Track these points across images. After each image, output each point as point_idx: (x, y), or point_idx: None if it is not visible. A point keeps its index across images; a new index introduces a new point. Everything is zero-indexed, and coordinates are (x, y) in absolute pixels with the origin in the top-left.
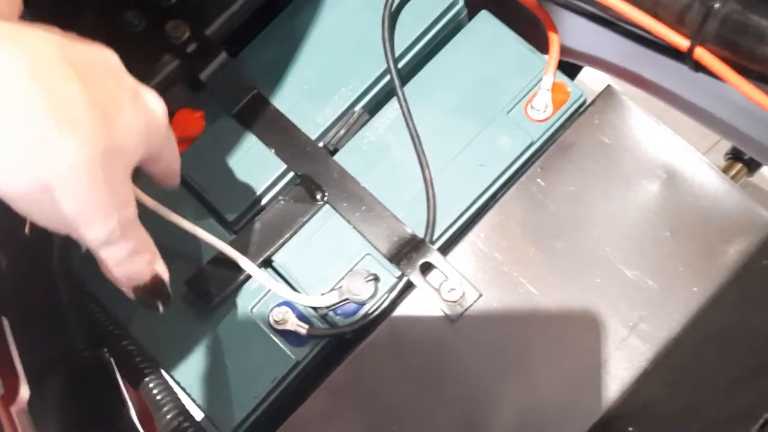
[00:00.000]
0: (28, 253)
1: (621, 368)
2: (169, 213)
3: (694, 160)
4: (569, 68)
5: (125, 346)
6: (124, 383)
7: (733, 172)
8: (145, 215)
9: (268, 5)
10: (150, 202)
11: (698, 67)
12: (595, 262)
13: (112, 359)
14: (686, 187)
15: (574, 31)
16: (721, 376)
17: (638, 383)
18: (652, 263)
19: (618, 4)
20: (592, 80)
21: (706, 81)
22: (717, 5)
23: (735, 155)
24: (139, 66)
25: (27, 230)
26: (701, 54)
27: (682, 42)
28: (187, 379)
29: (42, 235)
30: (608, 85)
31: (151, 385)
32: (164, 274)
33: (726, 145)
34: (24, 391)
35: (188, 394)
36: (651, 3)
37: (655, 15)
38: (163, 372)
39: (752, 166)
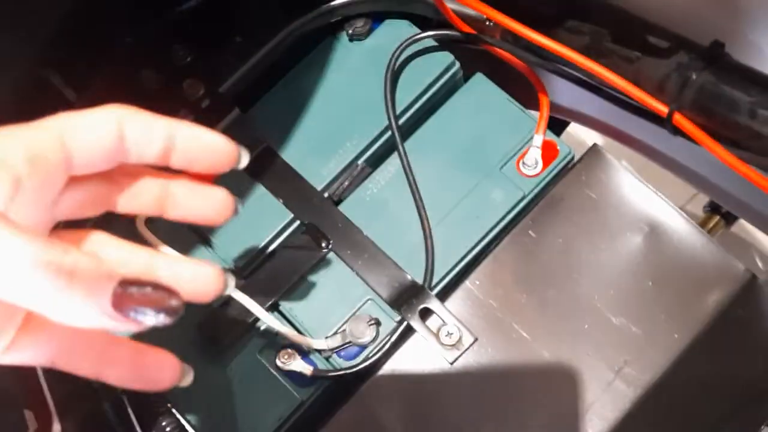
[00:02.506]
0: None
1: (607, 410)
2: (180, 256)
3: (674, 216)
4: (557, 123)
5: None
6: (139, 424)
7: (711, 224)
8: None
9: (277, 65)
10: (164, 248)
11: (676, 131)
12: (583, 309)
13: (126, 400)
14: (667, 241)
15: (562, 90)
16: (700, 419)
17: (623, 424)
18: (636, 311)
19: (603, 72)
20: (579, 135)
21: (685, 142)
22: (693, 76)
23: (713, 208)
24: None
25: None
26: (679, 119)
27: (661, 108)
28: (197, 420)
29: None
30: (594, 144)
31: (164, 424)
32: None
33: (705, 197)
34: (56, 428)
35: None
36: (633, 72)
37: (637, 83)
38: (174, 413)
39: (729, 218)
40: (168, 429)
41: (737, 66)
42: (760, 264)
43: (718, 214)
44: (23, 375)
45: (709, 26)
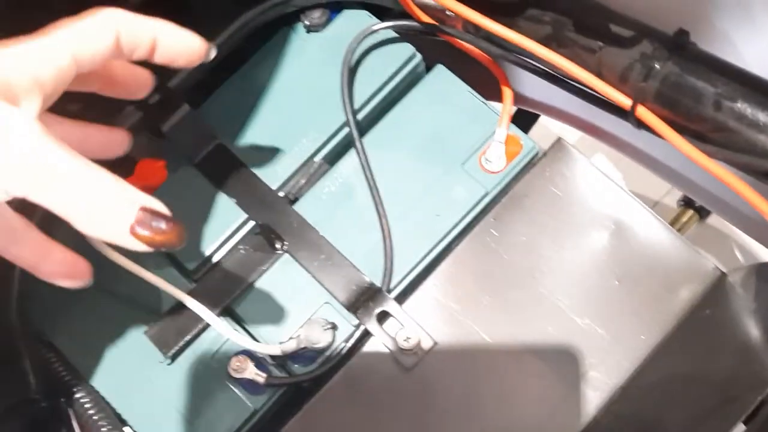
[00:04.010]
0: None
1: (572, 416)
2: (129, 263)
3: (641, 212)
4: (527, 116)
5: (80, 397)
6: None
7: (685, 218)
8: (106, 267)
9: (230, 58)
10: (110, 253)
11: (640, 124)
12: (547, 310)
13: (69, 409)
14: (633, 238)
15: (529, 82)
16: (670, 423)
17: (588, 431)
18: (602, 312)
19: (565, 64)
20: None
21: (652, 136)
22: (657, 66)
23: (687, 202)
24: (101, 116)
25: None
26: (642, 112)
27: (624, 101)
28: (145, 428)
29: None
30: (558, 138)
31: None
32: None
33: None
34: None
35: None
36: (595, 63)
37: (599, 75)
38: (126, 421)
39: (703, 212)
40: None
41: (703, 55)
42: (739, 256)
43: (692, 208)
44: None
45: (674, 13)
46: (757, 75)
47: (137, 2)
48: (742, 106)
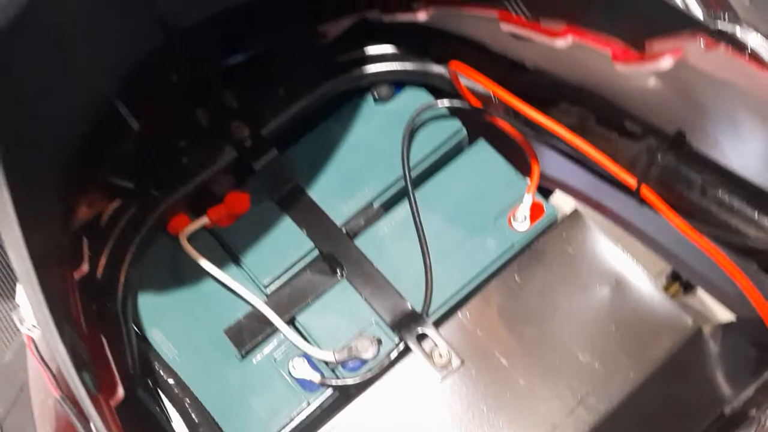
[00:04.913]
0: (99, 292)
1: None
2: (217, 270)
3: (637, 273)
4: (545, 190)
5: (166, 379)
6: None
7: (671, 291)
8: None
9: (312, 116)
10: (203, 262)
11: (643, 201)
12: (555, 345)
13: (157, 388)
14: (629, 293)
15: (551, 162)
16: None
17: None
18: (600, 350)
19: (586, 148)
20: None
21: (651, 214)
22: (659, 157)
23: (674, 277)
24: (204, 153)
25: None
26: (645, 191)
27: (631, 181)
28: (217, 410)
29: (110, 279)
30: (575, 209)
31: (189, 410)
32: None
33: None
34: (120, 391)
35: (217, 422)
36: (611, 149)
37: (613, 158)
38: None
39: (687, 287)
40: (193, 414)
41: (695, 152)
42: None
43: (679, 282)
44: (92, 345)
45: (676, 118)
46: (736, 171)
47: (237, 66)
48: (722, 194)
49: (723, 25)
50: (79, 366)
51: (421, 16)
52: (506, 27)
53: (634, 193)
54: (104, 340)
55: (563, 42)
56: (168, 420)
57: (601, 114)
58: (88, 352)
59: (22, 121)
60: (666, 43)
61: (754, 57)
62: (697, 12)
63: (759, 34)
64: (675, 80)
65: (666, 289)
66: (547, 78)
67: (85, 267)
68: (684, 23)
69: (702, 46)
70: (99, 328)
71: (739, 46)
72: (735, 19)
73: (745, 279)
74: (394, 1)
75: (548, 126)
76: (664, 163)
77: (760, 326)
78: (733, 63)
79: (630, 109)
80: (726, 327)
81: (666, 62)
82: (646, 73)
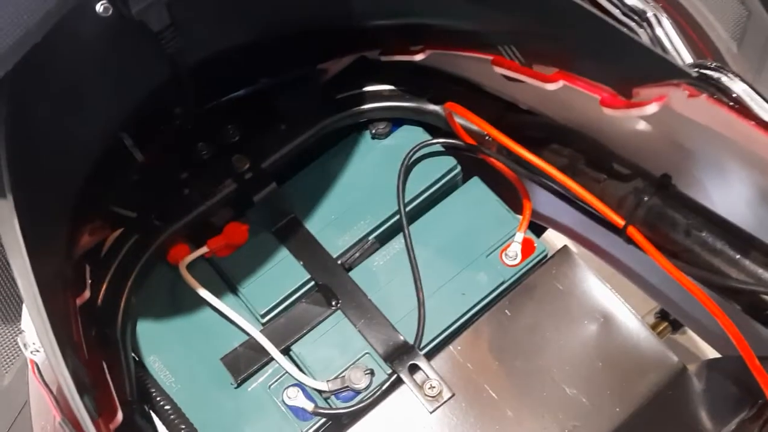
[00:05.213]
0: (99, 318)
1: None
2: (215, 300)
3: (624, 311)
4: (537, 228)
5: (163, 405)
6: None
7: (659, 329)
8: (190, 301)
9: (311, 150)
10: (201, 291)
11: (630, 240)
12: (544, 379)
13: (153, 413)
14: (616, 330)
15: (543, 200)
16: None
17: None
18: (586, 385)
19: (576, 188)
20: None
21: (639, 253)
22: (646, 198)
23: (662, 315)
24: (205, 184)
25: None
26: (632, 231)
27: (619, 221)
28: None
29: (110, 306)
30: (565, 245)
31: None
32: None
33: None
34: (119, 416)
35: None
36: (599, 190)
37: (602, 199)
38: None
39: (675, 325)
40: None
41: (680, 195)
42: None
43: (667, 321)
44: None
45: (663, 161)
46: (719, 214)
47: (237, 100)
48: (705, 236)
49: (710, 73)
50: (81, 390)
51: (418, 57)
52: (499, 70)
53: (621, 233)
54: (104, 365)
55: (554, 86)
56: None
57: (590, 156)
58: (88, 376)
59: (32, 155)
60: (652, 90)
61: (737, 105)
62: (688, 59)
63: (743, 83)
64: (661, 124)
65: (654, 327)
66: (539, 119)
67: (86, 293)
68: (670, 73)
69: (685, 94)
70: (99, 353)
71: (723, 93)
72: (722, 67)
73: (726, 318)
74: (394, 44)
75: (539, 165)
76: (650, 204)
77: (741, 364)
78: (713, 110)
79: (619, 152)
80: (710, 365)
81: (651, 108)
82: (632, 118)
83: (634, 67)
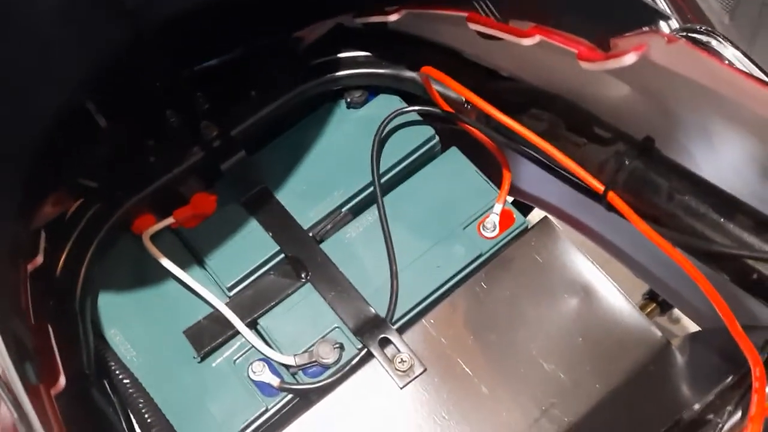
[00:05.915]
0: (57, 289)
1: None
2: (180, 271)
3: (606, 285)
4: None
5: (122, 379)
6: (121, 410)
7: (648, 311)
8: (154, 272)
9: (283, 119)
10: (165, 262)
11: (610, 207)
12: (520, 354)
13: (112, 388)
14: (598, 304)
15: (526, 177)
16: None
17: None
18: (565, 361)
19: (556, 153)
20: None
21: (626, 229)
22: (627, 162)
23: (651, 296)
24: (172, 153)
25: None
26: (613, 197)
27: (599, 186)
28: (173, 413)
29: (69, 276)
30: (545, 216)
31: (143, 411)
32: None
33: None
34: (62, 381)
35: (173, 425)
36: (580, 155)
37: (582, 164)
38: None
39: (664, 307)
40: (147, 415)
41: (663, 158)
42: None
43: (655, 302)
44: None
45: (645, 124)
46: (703, 177)
47: (209, 69)
48: (688, 199)
49: (699, 37)
50: (22, 356)
51: (393, 17)
52: (475, 26)
53: (602, 199)
54: (51, 332)
55: (530, 41)
56: (121, 421)
57: (571, 120)
58: (33, 342)
59: None
60: (630, 40)
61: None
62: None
63: (734, 47)
64: (641, 79)
65: (643, 308)
66: (519, 85)
67: (39, 259)
68: (650, 17)
69: (663, 40)
70: (48, 320)
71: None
72: (712, 31)
73: (707, 283)
74: (367, 6)
75: (518, 130)
76: (632, 168)
77: (725, 335)
78: (693, 56)
79: (600, 116)
80: (693, 337)
81: (629, 58)
82: (612, 74)
83: (612, 15)
